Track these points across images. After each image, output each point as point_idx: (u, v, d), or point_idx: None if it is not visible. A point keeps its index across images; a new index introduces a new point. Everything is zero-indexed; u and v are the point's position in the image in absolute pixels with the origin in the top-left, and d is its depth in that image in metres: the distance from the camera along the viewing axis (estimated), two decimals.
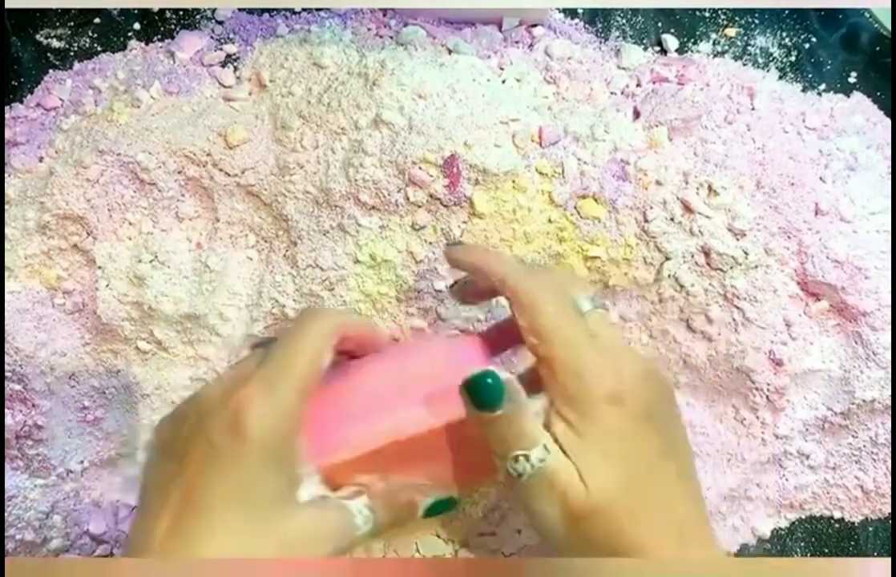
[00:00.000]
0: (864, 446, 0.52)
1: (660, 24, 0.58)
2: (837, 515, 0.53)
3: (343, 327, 0.37)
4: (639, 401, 0.36)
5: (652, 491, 0.36)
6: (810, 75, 0.57)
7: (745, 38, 0.58)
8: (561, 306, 0.37)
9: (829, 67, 0.57)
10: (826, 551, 0.53)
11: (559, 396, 0.36)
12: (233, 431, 0.33)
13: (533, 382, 0.37)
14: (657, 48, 0.57)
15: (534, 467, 0.35)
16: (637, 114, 0.52)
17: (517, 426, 0.35)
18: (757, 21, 0.58)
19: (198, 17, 0.57)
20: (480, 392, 0.35)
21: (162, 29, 0.56)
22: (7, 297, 0.48)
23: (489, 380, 0.36)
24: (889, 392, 0.50)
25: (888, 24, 0.57)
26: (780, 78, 0.57)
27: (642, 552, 0.35)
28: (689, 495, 0.38)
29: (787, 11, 0.58)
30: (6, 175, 0.50)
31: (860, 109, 0.56)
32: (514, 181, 0.48)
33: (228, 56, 0.55)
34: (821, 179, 0.51)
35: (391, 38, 0.55)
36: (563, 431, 0.36)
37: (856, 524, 0.53)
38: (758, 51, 0.57)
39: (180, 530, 0.33)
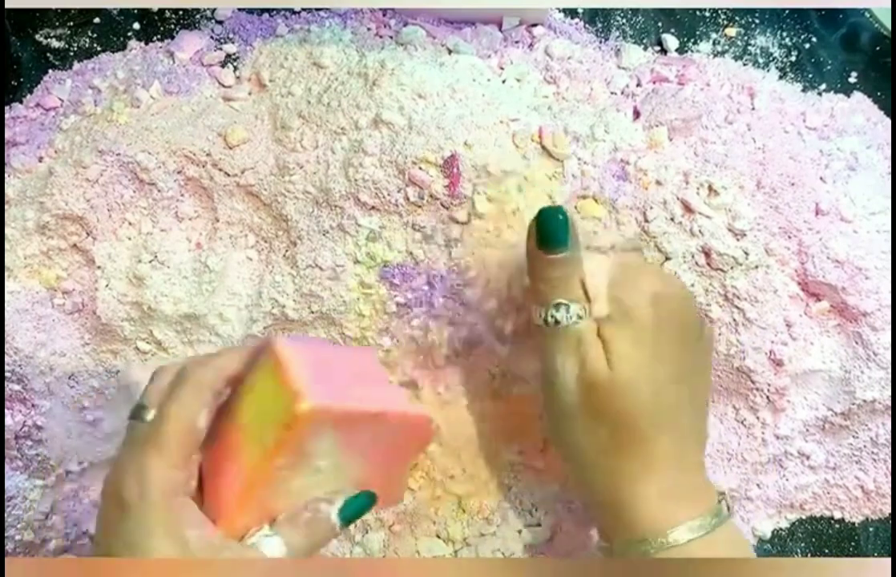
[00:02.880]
0: (865, 446, 0.52)
1: (660, 24, 0.58)
2: (838, 515, 0.53)
3: (220, 376, 0.37)
4: (673, 308, 0.40)
5: (666, 396, 0.39)
6: (811, 75, 0.57)
7: (746, 37, 0.58)
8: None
9: (829, 67, 0.57)
10: (826, 551, 0.53)
11: (606, 286, 0.39)
12: (116, 504, 0.35)
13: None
14: (657, 48, 0.57)
15: (571, 318, 0.38)
16: (637, 114, 0.52)
17: (569, 275, 0.39)
18: (757, 21, 0.58)
19: (197, 17, 0.57)
20: (551, 226, 0.39)
21: (162, 29, 0.56)
22: (7, 297, 0.48)
23: (560, 216, 0.39)
24: (889, 392, 0.49)
25: (888, 24, 0.57)
26: (781, 78, 0.57)
27: (639, 444, 0.38)
28: (697, 418, 0.41)
29: (787, 11, 0.58)
30: (6, 175, 0.50)
31: (860, 109, 0.55)
32: (514, 181, 0.48)
33: (228, 56, 0.55)
34: (821, 179, 0.51)
35: (391, 38, 0.55)
36: (603, 314, 0.39)
37: (856, 525, 0.53)
38: (758, 51, 0.57)
39: None
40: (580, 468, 0.41)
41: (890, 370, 0.49)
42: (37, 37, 0.56)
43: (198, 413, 0.36)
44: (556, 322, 0.38)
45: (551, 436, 0.42)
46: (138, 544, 0.34)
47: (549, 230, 0.39)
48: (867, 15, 0.57)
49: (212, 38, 0.56)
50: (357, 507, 0.39)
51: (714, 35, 0.58)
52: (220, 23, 0.56)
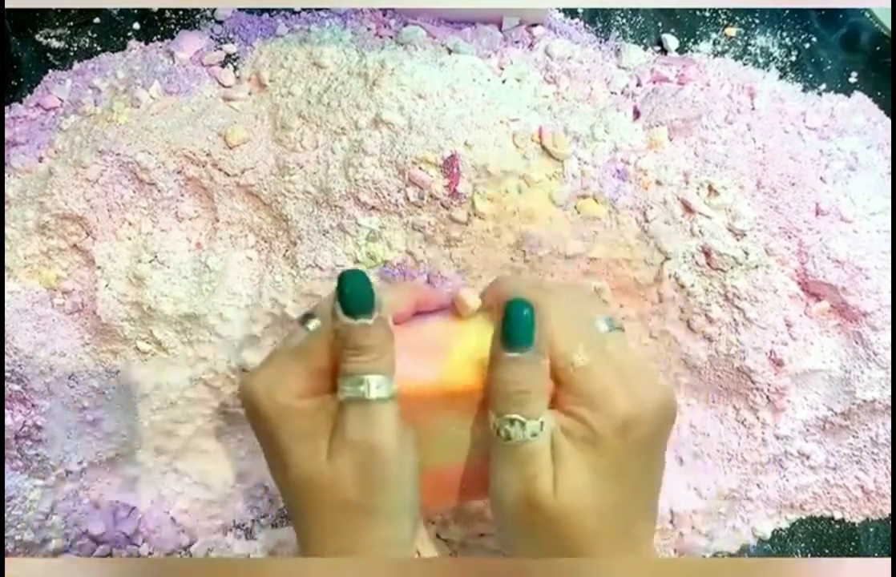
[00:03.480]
0: (865, 446, 0.52)
1: (660, 24, 0.58)
2: (838, 515, 0.53)
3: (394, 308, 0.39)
4: (643, 434, 0.36)
5: (616, 519, 0.36)
6: (811, 75, 0.57)
7: (746, 37, 0.58)
8: (578, 325, 0.38)
9: (829, 67, 0.57)
10: (826, 551, 0.53)
11: (570, 409, 0.36)
12: (254, 418, 0.38)
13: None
14: (657, 48, 0.57)
15: (524, 437, 0.35)
16: (637, 114, 0.52)
17: (529, 383, 0.36)
18: (757, 21, 0.58)
19: (197, 17, 0.57)
20: (514, 324, 0.36)
21: (161, 29, 0.56)
22: (6, 297, 0.48)
23: (525, 312, 0.36)
24: (889, 392, 0.49)
25: (888, 24, 0.57)
26: (781, 78, 0.57)
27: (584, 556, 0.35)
28: (651, 513, 0.38)
29: (787, 11, 0.58)
30: (6, 175, 0.50)
31: (861, 109, 0.55)
32: (514, 181, 0.48)
33: (228, 56, 0.55)
34: (821, 179, 0.51)
35: (391, 38, 0.55)
36: (561, 431, 0.36)
37: (856, 525, 0.53)
38: (758, 51, 0.57)
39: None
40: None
41: (890, 370, 0.49)
42: (37, 37, 0.56)
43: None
44: (508, 438, 0.35)
45: (495, 535, 0.39)
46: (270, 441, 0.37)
47: (515, 329, 0.36)
48: (867, 15, 0.57)
49: (212, 38, 0.56)
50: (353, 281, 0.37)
51: (714, 35, 0.58)
52: (220, 23, 0.56)
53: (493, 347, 0.37)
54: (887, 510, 0.53)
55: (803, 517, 0.53)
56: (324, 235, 0.49)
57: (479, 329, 0.39)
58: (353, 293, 0.36)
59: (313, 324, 0.38)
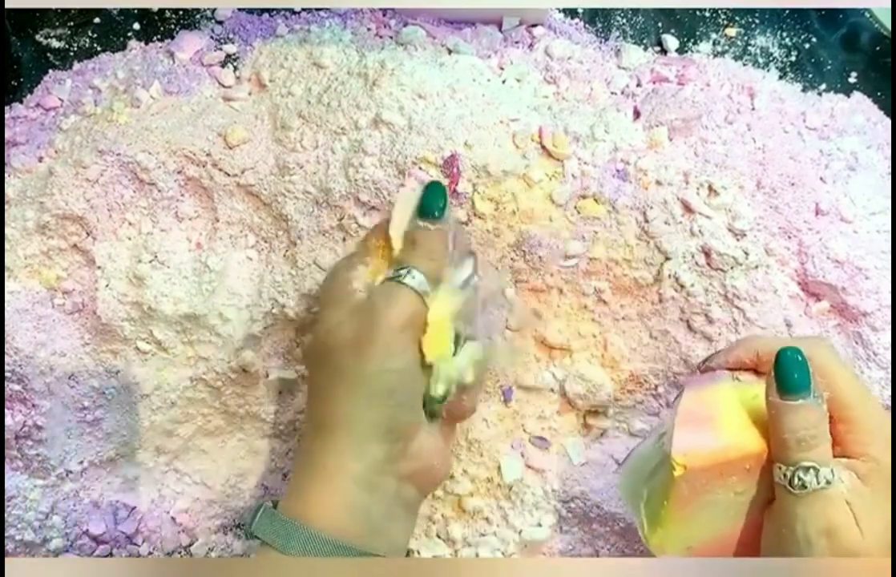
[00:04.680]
0: None
1: (660, 24, 0.58)
2: None
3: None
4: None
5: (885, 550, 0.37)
6: (810, 75, 0.57)
7: (746, 38, 0.58)
8: (851, 371, 0.39)
9: (829, 67, 0.57)
10: None
11: (853, 450, 0.36)
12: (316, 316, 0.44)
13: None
14: (657, 48, 0.57)
15: (820, 483, 0.35)
16: (637, 114, 0.52)
17: (814, 428, 0.35)
18: (757, 21, 0.58)
19: (197, 17, 0.57)
20: (791, 370, 0.36)
21: (162, 29, 0.56)
22: (7, 297, 0.48)
23: (800, 358, 0.36)
24: (889, 392, 0.49)
25: (888, 24, 0.57)
26: (781, 78, 0.57)
27: None
28: None
29: (787, 11, 0.58)
30: (6, 175, 0.50)
31: (860, 109, 0.55)
32: (514, 181, 0.48)
33: (228, 56, 0.55)
34: (821, 179, 0.51)
35: (391, 38, 0.55)
36: (850, 476, 0.36)
37: None
38: (758, 51, 0.57)
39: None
40: None
41: (890, 370, 0.49)
42: (37, 37, 0.56)
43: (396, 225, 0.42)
44: (803, 487, 0.35)
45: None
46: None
47: (792, 377, 0.36)
48: (867, 15, 0.57)
49: (212, 38, 0.56)
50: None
51: (714, 35, 0.58)
52: (220, 23, 0.56)
53: (771, 399, 0.36)
54: None
55: None
56: (324, 235, 0.49)
57: (739, 394, 0.39)
58: (428, 197, 0.42)
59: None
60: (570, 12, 0.57)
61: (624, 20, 0.58)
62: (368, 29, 0.55)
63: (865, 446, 0.36)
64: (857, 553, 0.35)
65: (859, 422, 0.37)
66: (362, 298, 0.41)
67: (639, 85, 0.54)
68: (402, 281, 0.40)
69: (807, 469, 0.35)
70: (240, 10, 0.56)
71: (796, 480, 0.35)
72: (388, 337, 0.39)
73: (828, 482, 0.35)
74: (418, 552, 0.50)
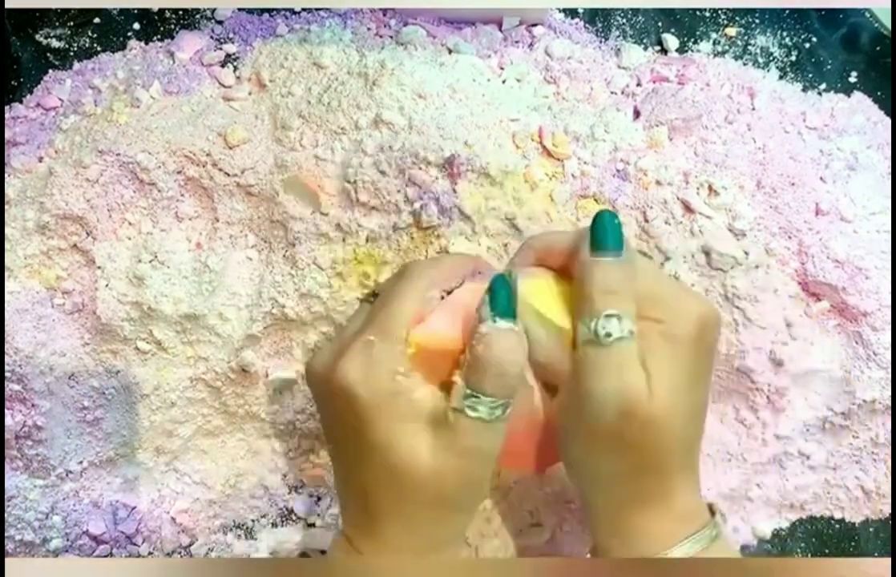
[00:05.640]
0: (865, 446, 0.52)
1: (660, 24, 0.58)
2: (838, 515, 0.53)
3: (437, 277, 0.38)
4: (713, 345, 0.38)
5: (693, 430, 0.38)
6: (811, 75, 0.57)
7: (746, 37, 0.58)
8: (670, 280, 0.41)
9: (829, 67, 0.57)
10: (826, 551, 0.53)
11: (646, 313, 0.37)
12: (347, 409, 0.36)
13: None
14: (657, 48, 0.57)
15: (623, 332, 0.35)
16: (637, 114, 0.52)
17: (621, 283, 0.36)
18: (757, 21, 0.58)
19: (197, 17, 0.57)
20: (605, 229, 0.37)
21: (161, 29, 0.56)
22: (7, 297, 0.48)
23: (616, 220, 0.37)
24: (889, 392, 0.49)
25: (888, 23, 0.57)
26: (781, 78, 0.57)
27: (660, 477, 0.37)
28: (700, 440, 0.40)
29: (787, 11, 0.58)
30: (6, 175, 0.50)
31: (861, 109, 0.55)
32: (514, 181, 0.48)
33: (228, 56, 0.55)
34: (821, 178, 0.51)
35: (391, 38, 0.55)
36: (648, 335, 0.36)
37: (856, 525, 0.53)
38: (758, 50, 0.57)
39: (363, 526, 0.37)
40: (590, 491, 0.39)
41: (890, 370, 0.49)
42: (37, 37, 0.56)
43: (415, 300, 0.37)
44: (608, 335, 0.35)
45: (565, 453, 0.39)
46: (376, 443, 0.35)
47: (605, 235, 0.36)
48: (867, 15, 0.57)
49: (212, 38, 0.56)
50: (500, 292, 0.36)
51: (714, 35, 0.58)
52: (220, 23, 0.56)
53: (582, 258, 0.37)
54: (887, 510, 0.53)
55: (803, 517, 0.53)
56: (323, 235, 0.49)
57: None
58: (500, 301, 0.35)
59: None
60: (570, 12, 0.57)
61: (624, 20, 0.58)
62: (368, 29, 0.55)
63: (654, 311, 0.36)
64: (640, 414, 0.35)
65: (665, 301, 0.37)
66: (427, 410, 0.36)
67: (639, 85, 0.54)
68: (486, 419, 0.35)
69: (610, 317, 0.35)
70: (240, 10, 0.56)
71: (601, 328, 0.35)
72: (490, 479, 0.37)
73: (631, 333, 0.35)
74: None
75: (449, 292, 0.39)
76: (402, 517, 0.37)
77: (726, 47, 0.57)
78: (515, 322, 0.35)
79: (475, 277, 0.39)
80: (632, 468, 0.37)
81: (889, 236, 0.50)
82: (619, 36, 0.57)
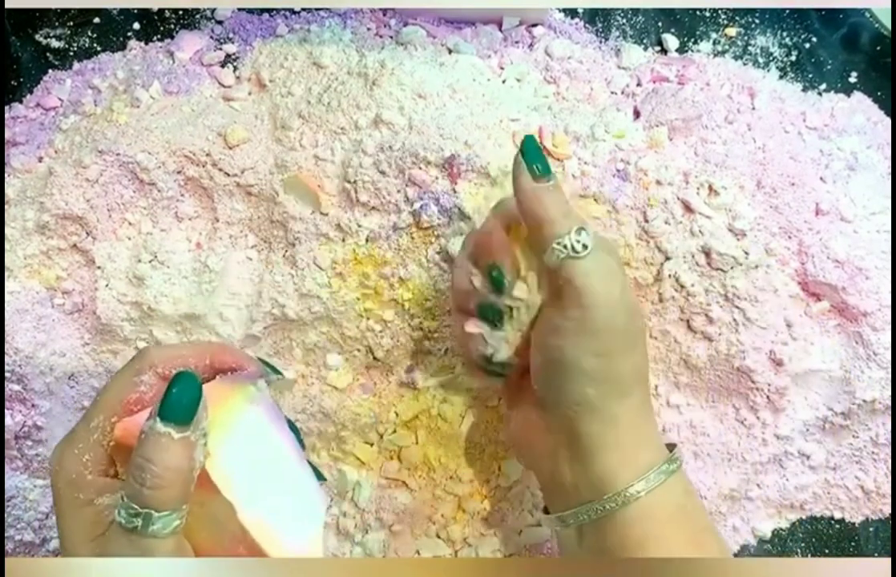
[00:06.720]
0: (865, 446, 0.52)
1: (660, 24, 0.58)
2: (838, 515, 0.53)
3: (157, 361, 0.35)
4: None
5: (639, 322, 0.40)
6: (811, 75, 0.57)
7: (746, 37, 0.58)
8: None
9: (829, 67, 0.57)
10: (826, 551, 0.53)
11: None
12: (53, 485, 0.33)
13: None
14: (657, 48, 0.57)
15: (591, 240, 0.36)
16: (637, 114, 0.52)
17: (567, 202, 0.38)
18: (757, 21, 0.58)
19: (197, 16, 0.57)
20: (540, 152, 0.38)
21: (161, 29, 0.56)
22: (7, 297, 0.48)
23: (539, 143, 0.39)
24: (889, 392, 0.49)
25: (888, 24, 0.57)
26: (781, 78, 0.57)
27: (626, 357, 0.38)
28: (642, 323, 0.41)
29: (787, 11, 0.58)
30: (6, 175, 0.50)
31: (861, 109, 0.55)
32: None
33: (228, 56, 0.55)
34: (821, 179, 0.51)
35: (391, 38, 0.55)
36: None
37: (856, 525, 0.53)
38: (758, 50, 0.57)
39: None
40: (566, 410, 0.39)
41: (890, 370, 0.49)
42: (37, 37, 0.56)
43: (123, 386, 0.34)
44: (584, 246, 0.36)
45: (553, 374, 0.38)
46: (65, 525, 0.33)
47: (537, 155, 0.38)
48: (867, 15, 0.57)
49: (212, 38, 0.56)
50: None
51: (714, 35, 0.58)
52: (220, 23, 0.56)
53: (526, 187, 0.38)
54: (887, 510, 0.53)
55: (803, 517, 0.53)
56: (323, 235, 0.49)
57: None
58: (176, 401, 0.31)
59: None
60: (570, 12, 0.57)
61: (624, 20, 0.58)
62: (368, 29, 0.55)
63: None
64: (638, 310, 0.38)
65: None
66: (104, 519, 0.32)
67: (639, 85, 0.54)
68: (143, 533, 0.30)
69: (580, 230, 0.37)
70: (240, 9, 0.56)
71: (576, 244, 0.36)
72: None
73: (594, 242, 0.37)
74: (418, 552, 0.50)
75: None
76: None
77: (726, 47, 0.57)
78: (184, 430, 0.30)
79: (238, 373, 0.37)
80: (609, 365, 0.37)
81: (889, 236, 0.50)
82: (619, 36, 0.57)
